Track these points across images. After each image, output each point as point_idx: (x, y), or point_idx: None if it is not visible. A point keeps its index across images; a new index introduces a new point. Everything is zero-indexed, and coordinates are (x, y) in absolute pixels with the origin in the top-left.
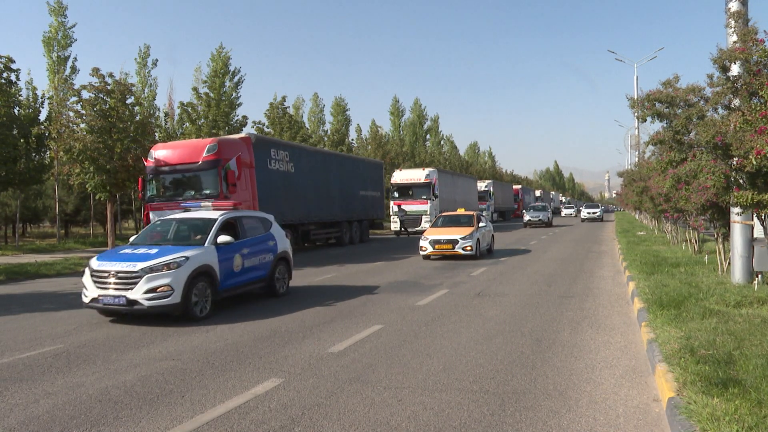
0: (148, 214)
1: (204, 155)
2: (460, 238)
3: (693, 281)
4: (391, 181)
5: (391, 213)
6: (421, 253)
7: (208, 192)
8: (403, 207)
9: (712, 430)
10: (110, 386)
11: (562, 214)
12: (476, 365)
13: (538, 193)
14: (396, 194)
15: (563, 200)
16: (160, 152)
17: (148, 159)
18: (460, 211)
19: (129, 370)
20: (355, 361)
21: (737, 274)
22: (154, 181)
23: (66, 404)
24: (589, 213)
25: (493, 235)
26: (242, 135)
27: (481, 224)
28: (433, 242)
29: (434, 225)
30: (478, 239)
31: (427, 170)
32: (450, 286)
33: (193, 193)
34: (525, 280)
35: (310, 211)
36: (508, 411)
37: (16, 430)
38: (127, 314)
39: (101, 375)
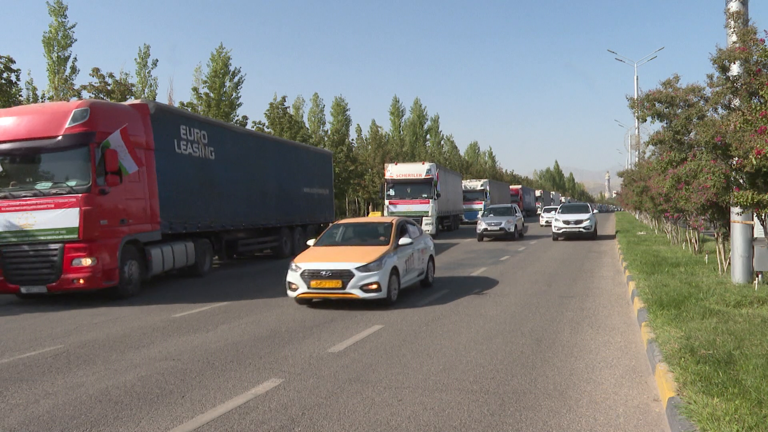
0: None
1: (67, 126)
2: (357, 269)
3: (693, 281)
4: (386, 177)
5: (386, 215)
6: (290, 293)
7: (72, 184)
8: (399, 208)
9: (712, 430)
10: (110, 386)
11: (542, 221)
12: (476, 365)
13: (538, 193)
14: (391, 192)
15: (563, 200)
16: None
17: None
18: (373, 217)
19: (129, 370)
20: (355, 361)
21: (737, 274)
22: None
23: (66, 404)
24: (566, 224)
25: (432, 258)
26: (134, 101)
27: (403, 241)
28: (310, 275)
29: (320, 241)
30: (394, 269)
31: (427, 164)
32: (450, 285)
33: (46, 185)
34: (525, 280)
35: (238, 214)
36: (508, 411)
37: (17, 430)
38: None
39: (101, 375)
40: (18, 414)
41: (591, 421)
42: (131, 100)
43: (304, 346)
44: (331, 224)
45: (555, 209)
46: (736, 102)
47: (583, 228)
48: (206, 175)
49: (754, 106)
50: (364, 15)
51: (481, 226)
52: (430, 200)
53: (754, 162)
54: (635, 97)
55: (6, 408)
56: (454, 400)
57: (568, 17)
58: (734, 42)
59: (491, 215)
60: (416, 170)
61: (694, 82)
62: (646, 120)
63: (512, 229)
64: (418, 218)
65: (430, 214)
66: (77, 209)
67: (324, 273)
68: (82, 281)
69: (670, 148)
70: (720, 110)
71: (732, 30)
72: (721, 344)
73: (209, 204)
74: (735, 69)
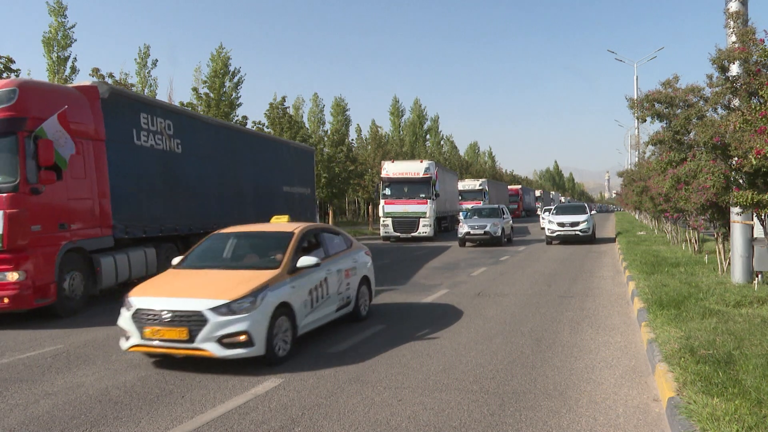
0: None
1: None
2: (213, 309)
3: (693, 281)
4: (382, 175)
5: (380, 215)
6: (122, 344)
7: None
8: (395, 208)
9: (712, 430)
10: (110, 386)
11: (542, 224)
12: (476, 365)
13: (538, 193)
14: (387, 191)
15: (563, 200)
16: None
17: None
18: (275, 224)
19: (129, 370)
20: (355, 361)
21: (737, 274)
22: None
23: (66, 404)
24: (561, 226)
25: (368, 280)
26: (81, 83)
27: (305, 261)
28: (144, 318)
29: (186, 260)
30: (282, 307)
31: (425, 162)
32: (450, 286)
33: None
34: (525, 280)
35: (210, 215)
36: (508, 411)
37: (17, 430)
38: None
39: (101, 375)
40: (18, 414)
41: (591, 421)
42: (77, 82)
43: (304, 346)
44: (211, 233)
45: (476, 212)
46: (736, 102)
47: (580, 231)
48: (172, 171)
49: (753, 106)
50: (364, 15)
51: (463, 229)
52: (429, 200)
53: (754, 162)
54: (635, 98)
55: (6, 408)
56: (453, 400)
57: (568, 17)
58: (734, 42)
59: (475, 217)
60: (414, 168)
61: (694, 82)
62: (645, 120)
63: (499, 233)
64: (415, 220)
65: (428, 215)
66: (0, 213)
67: (164, 315)
68: (6, 300)
69: (670, 148)
70: (719, 110)
71: (731, 30)
72: (720, 344)
73: (176, 204)
74: (734, 69)
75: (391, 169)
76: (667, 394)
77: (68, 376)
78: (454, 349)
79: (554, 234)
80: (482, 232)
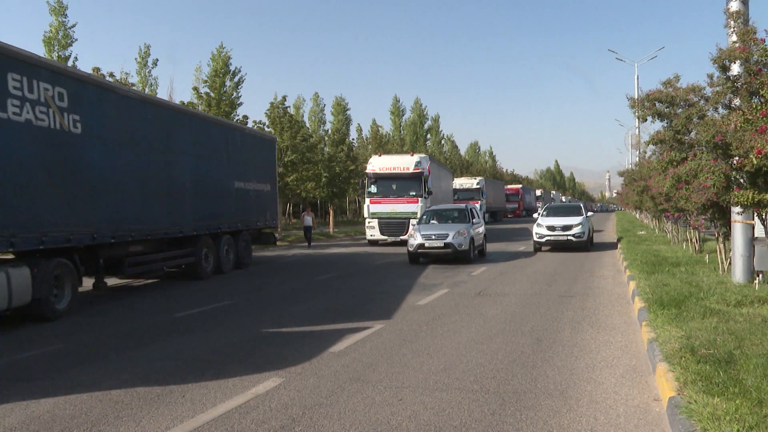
0: None
1: None
2: None
3: (694, 281)
4: (367, 170)
5: (365, 216)
6: None
7: None
8: (382, 208)
9: (712, 430)
10: (110, 386)
11: (534, 231)
12: (477, 365)
13: (538, 192)
14: (373, 189)
15: (564, 200)
16: None
17: None
18: None
19: (129, 369)
20: (355, 360)
21: (738, 274)
22: None
23: (66, 404)
24: (551, 230)
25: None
26: None
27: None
28: None
29: None
30: None
31: (416, 156)
32: (450, 285)
33: None
34: (525, 280)
35: (127, 218)
36: (509, 410)
37: (17, 430)
38: None
39: (101, 375)
40: (18, 414)
41: (591, 421)
42: None
43: (304, 346)
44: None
45: (435, 214)
46: (737, 101)
47: (573, 236)
48: (64, 158)
49: (754, 106)
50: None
51: (415, 239)
52: (420, 199)
53: (755, 161)
54: (635, 97)
55: (6, 408)
56: (454, 399)
57: (568, 17)
58: (734, 42)
59: (434, 222)
60: (403, 163)
61: (695, 81)
62: (646, 119)
63: (465, 245)
64: (404, 221)
65: (418, 215)
66: None
67: None
68: None
69: (671, 147)
70: (720, 110)
71: (732, 30)
72: (721, 344)
73: (69, 204)
74: (735, 69)
75: (378, 163)
76: (667, 394)
77: (68, 376)
78: (454, 349)
79: (543, 239)
80: (441, 244)
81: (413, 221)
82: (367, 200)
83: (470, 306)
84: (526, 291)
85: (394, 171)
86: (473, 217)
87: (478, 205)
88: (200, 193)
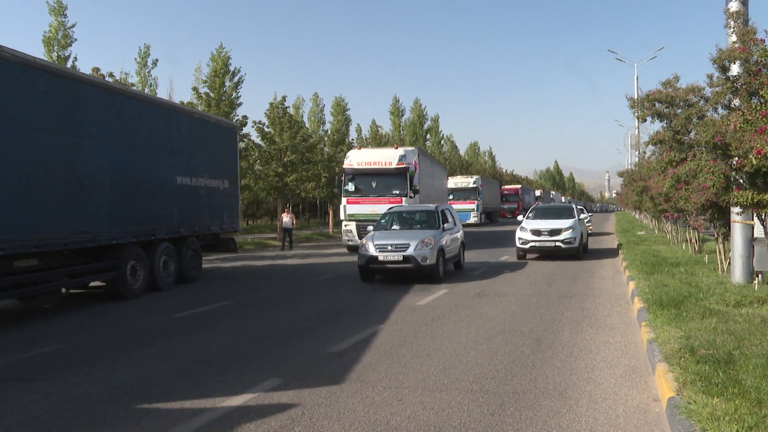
0: None
1: None
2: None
3: (693, 281)
4: (344, 165)
5: (342, 219)
6: None
7: None
8: (360, 209)
9: (712, 430)
10: (110, 386)
11: (518, 236)
12: (476, 365)
13: (538, 192)
14: (350, 187)
15: (563, 200)
16: None
17: None
18: None
19: (129, 370)
20: (355, 361)
21: (737, 274)
22: None
23: (66, 404)
24: (536, 234)
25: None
26: None
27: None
28: None
29: None
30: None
31: (401, 149)
32: (450, 285)
33: None
34: (525, 280)
35: (10, 223)
36: (508, 411)
37: (17, 430)
38: None
39: (101, 375)
40: (18, 414)
41: (591, 421)
42: None
43: (304, 346)
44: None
45: (399, 216)
46: (736, 102)
47: (562, 242)
48: None
49: (754, 106)
50: (364, 15)
51: (368, 251)
52: (404, 198)
53: (754, 162)
54: (635, 97)
55: (6, 408)
56: (453, 399)
57: (568, 17)
58: (734, 42)
59: (395, 227)
60: (385, 157)
61: (694, 82)
62: (646, 120)
63: (430, 259)
64: None
65: None
66: None
67: None
68: None
69: (670, 148)
70: (720, 110)
71: (732, 30)
72: (721, 344)
73: None
74: (735, 69)
75: (357, 157)
76: (667, 394)
77: (68, 375)
78: (454, 349)
79: (527, 245)
80: (400, 258)
81: (370, 227)
82: (344, 200)
83: (470, 306)
84: (525, 291)
85: (375, 166)
86: (445, 221)
87: (474, 205)
88: (124, 190)
